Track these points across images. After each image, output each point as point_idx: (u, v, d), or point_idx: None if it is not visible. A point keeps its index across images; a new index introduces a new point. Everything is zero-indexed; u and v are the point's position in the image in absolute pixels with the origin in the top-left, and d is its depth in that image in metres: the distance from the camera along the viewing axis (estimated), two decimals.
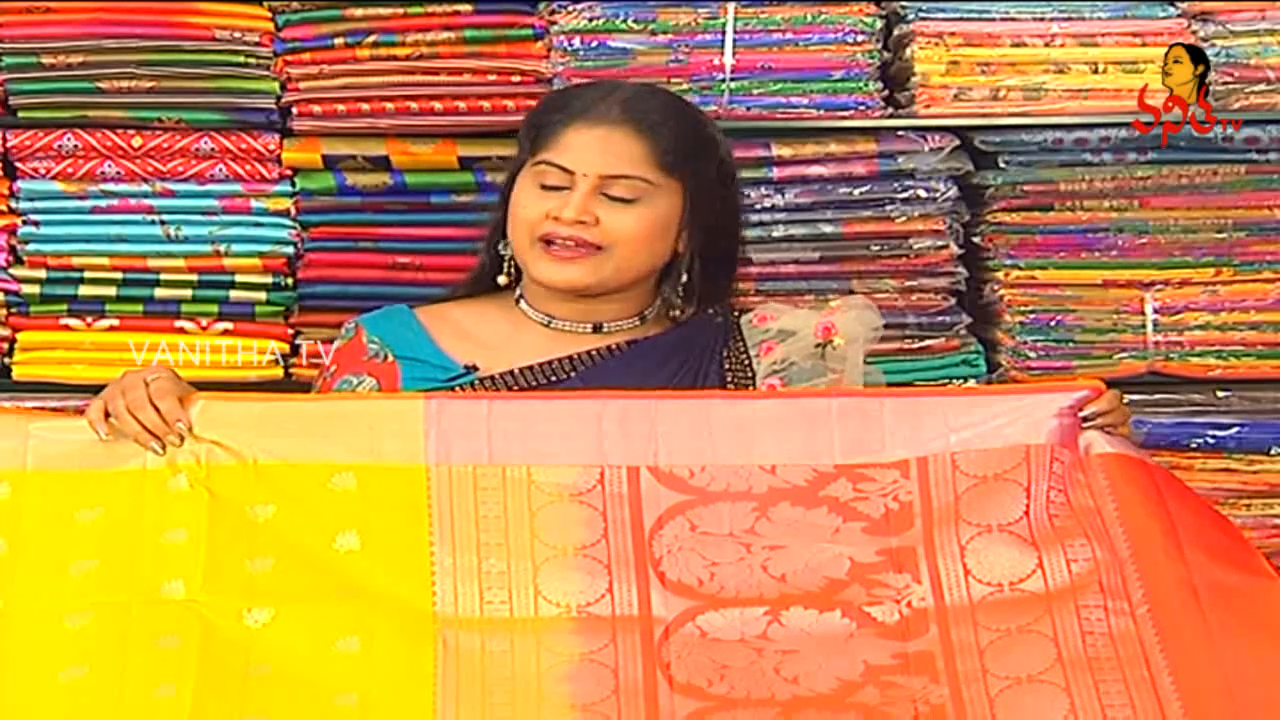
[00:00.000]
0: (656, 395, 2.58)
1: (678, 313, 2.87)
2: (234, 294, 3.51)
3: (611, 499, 2.47)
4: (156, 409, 2.51)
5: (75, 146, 3.44)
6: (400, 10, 3.46)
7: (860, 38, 3.51)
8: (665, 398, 2.57)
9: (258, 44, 3.44)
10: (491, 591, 2.40)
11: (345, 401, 2.71)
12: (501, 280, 2.88)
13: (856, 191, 3.53)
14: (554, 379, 2.79)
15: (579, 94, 2.89)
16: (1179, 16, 3.52)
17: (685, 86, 3.48)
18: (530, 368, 2.80)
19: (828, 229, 3.54)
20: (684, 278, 2.85)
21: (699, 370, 2.82)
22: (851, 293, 3.53)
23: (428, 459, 2.49)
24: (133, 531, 2.44)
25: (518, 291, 2.89)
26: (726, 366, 2.84)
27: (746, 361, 2.84)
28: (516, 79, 3.46)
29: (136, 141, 3.45)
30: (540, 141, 2.80)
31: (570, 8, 3.48)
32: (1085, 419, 2.53)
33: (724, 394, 2.74)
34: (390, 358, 2.84)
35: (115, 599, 2.38)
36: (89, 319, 3.49)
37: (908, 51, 3.50)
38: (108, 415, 2.53)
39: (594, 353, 2.82)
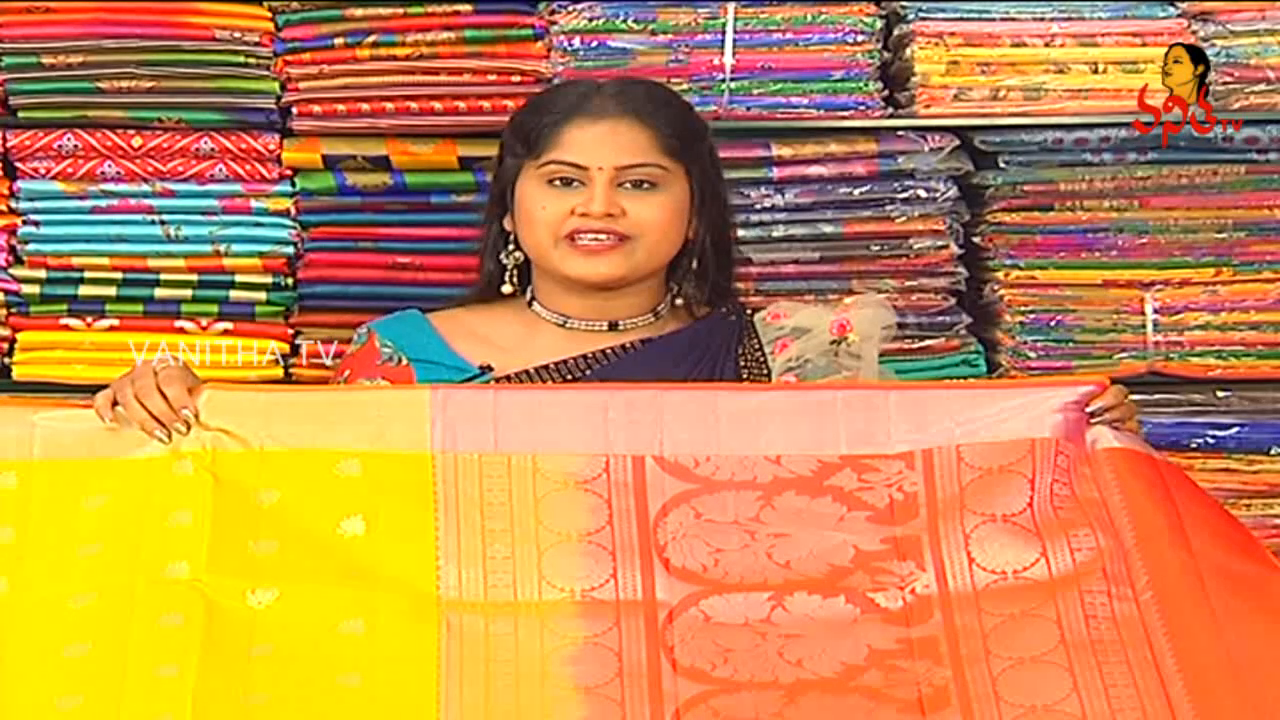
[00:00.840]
0: (662, 386, 2.59)
1: (694, 304, 2.88)
2: (234, 294, 3.50)
3: (616, 487, 2.48)
4: (164, 396, 2.52)
5: (75, 146, 3.44)
6: (400, 10, 3.46)
7: (860, 38, 3.51)
8: (671, 389, 2.58)
9: (258, 44, 3.44)
10: (496, 576, 2.41)
11: (351, 391, 2.73)
12: (506, 289, 2.89)
13: (856, 191, 3.53)
14: (569, 378, 2.81)
15: (561, 94, 2.91)
16: (1179, 16, 3.53)
17: (685, 86, 3.48)
18: (545, 367, 2.81)
19: (828, 229, 3.54)
20: (695, 264, 2.87)
21: (715, 367, 2.84)
22: (852, 292, 3.53)
23: (433, 446, 2.50)
24: (138, 515, 2.45)
25: (529, 294, 2.89)
26: (742, 364, 2.85)
27: (761, 359, 2.86)
28: (516, 79, 3.46)
29: (136, 141, 3.45)
30: (540, 143, 2.81)
31: (570, 8, 3.48)
32: (1092, 414, 2.54)
33: (729, 386, 2.76)
34: (404, 361, 2.85)
35: (119, 579, 2.39)
36: (89, 319, 3.49)
37: (908, 51, 3.51)
38: (115, 404, 2.54)
39: (609, 351, 2.84)
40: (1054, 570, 2.42)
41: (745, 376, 2.83)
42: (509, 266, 2.89)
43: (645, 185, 2.80)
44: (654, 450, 2.51)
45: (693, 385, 2.68)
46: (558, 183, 2.79)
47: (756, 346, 2.87)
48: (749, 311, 2.93)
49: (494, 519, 2.45)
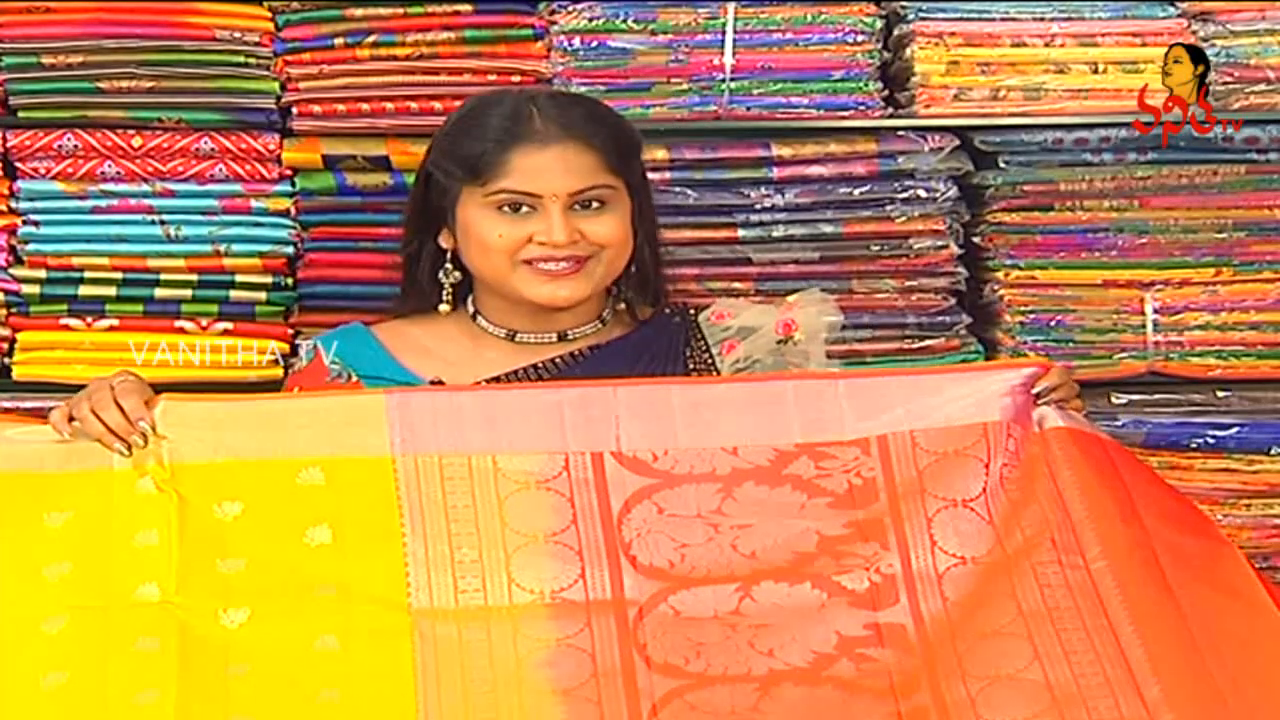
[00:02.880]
0: (616, 382, 2.62)
1: (637, 307, 2.92)
2: (234, 294, 3.50)
3: (578, 485, 2.50)
4: (120, 409, 2.52)
5: (75, 146, 3.43)
6: (400, 10, 3.46)
7: (860, 38, 3.50)
8: (623, 384, 2.61)
9: (258, 44, 3.44)
10: (465, 581, 2.43)
11: (308, 399, 2.73)
12: (444, 309, 2.90)
13: (856, 191, 3.52)
14: None
15: (493, 114, 2.88)
16: (1179, 16, 3.52)
17: (685, 86, 3.49)
18: (496, 379, 2.82)
19: (828, 229, 3.53)
20: (633, 269, 2.90)
21: (663, 371, 2.87)
22: (852, 292, 3.53)
23: (393, 450, 2.51)
24: (103, 534, 2.45)
25: (471, 308, 2.90)
26: (690, 366, 2.89)
27: (709, 360, 2.89)
28: (516, 79, 3.46)
29: (136, 141, 3.44)
30: (484, 170, 2.82)
31: (570, 8, 3.48)
32: (1038, 395, 2.58)
33: (682, 379, 2.80)
34: (354, 378, 2.86)
35: (90, 603, 2.39)
36: (89, 319, 3.48)
37: (908, 51, 3.50)
38: (71, 420, 2.54)
39: (558, 360, 2.86)
40: (1007, 550, 2.46)
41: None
42: (446, 285, 2.90)
43: (595, 204, 2.82)
44: (611, 446, 2.53)
45: (646, 379, 2.71)
46: (507, 209, 2.81)
47: (704, 348, 2.90)
48: (693, 311, 2.94)
49: (459, 522, 2.47)
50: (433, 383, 2.82)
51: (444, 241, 2.91)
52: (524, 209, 2.81)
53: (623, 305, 2.94)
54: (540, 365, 2.85)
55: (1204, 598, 2.34)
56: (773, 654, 2.37)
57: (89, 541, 2.44)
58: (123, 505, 2.47)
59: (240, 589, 2.40)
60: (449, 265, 2.91)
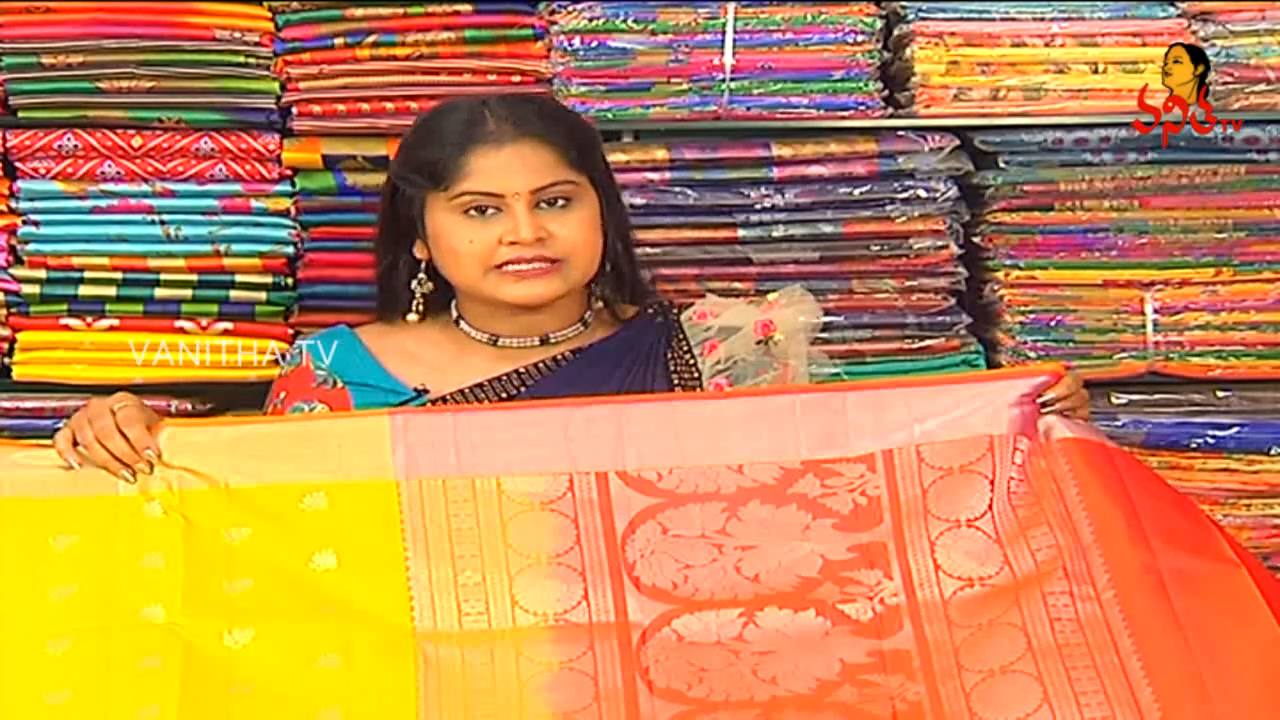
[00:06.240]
0: (621, 400, 2.61)
1: (617, 306, 2.91)
2: (234, 294, 3.50)
3: (582, 505, 2.49)
4: (125, 437, 2.52)
5: (75, 146, 3.44)
6: (400, 10, 3.46)
7: (860, 38, 3.50)
8: (630, 402, 2.60)
9: (258, 44, 3.44)
10: (469, 604, 2.42)
11: (312, 422, 2.72)
12: (413, 318, 2.90)
13: (856, 191, 3.52)
14: (504, 395, 2.82)
15: (449, 119, 2.88)
16: (1179, 16, 3.51)
17: (685, 86, 3.49)
18: (480, 385, 2.83)
19: (828, 229, 3.53)
20: (608, 267, 2.89)
21: (645, 372, 2.86)
22: (852, 292, 3.53)
23: (396, 474, 2.51)
24: (109, 557, 2.46)
25: (454, 313, 2.90)
26: (672, 367, 2.87)
27: (691, 360, 2.88)
28: (516, 79, 3.46)
29: (136, 141, 3.44)
30: (444, 175, 2.81)
31: (570, 8, 3.48)
32: (1044, 404, 2.56)
33: (688, 395, 2.78)
34: (339, 384, 2.86)
35: (95, 624, 2.40)
36: (89, 319, 3.48)
37: (908, 51, 3.50)
38: (76, 444, 2.54)
39: (540, 365, 2.86)
40: (1017, 574, 2.44)
41: (675, 379, 2.86)
42: (418, 294, 2.90)
43: (560, 202, 2.82)
44: (617, 465, 2.52)
45: (651, 396, 2.71)
46: (473, 213, 2.81)
47: (685, 348, 2.89)
48: (675, 310, 2.94)
49: (462, 544, 2.46)
50: (418, 390, 2.82)
51: (418, 252, 2.91)
52: (490, 211, 2.80)
53: (601, 305, 2.93)
54: (523, 371, 2.85)
55: (1214, 630, 2.31)
56: (775, 681, 2.35)
57: (95, 564, 2.45)
58: (129, 529, 2.48)
59: (245, 612, 2.40)
60: (423, 275, 2.90)
